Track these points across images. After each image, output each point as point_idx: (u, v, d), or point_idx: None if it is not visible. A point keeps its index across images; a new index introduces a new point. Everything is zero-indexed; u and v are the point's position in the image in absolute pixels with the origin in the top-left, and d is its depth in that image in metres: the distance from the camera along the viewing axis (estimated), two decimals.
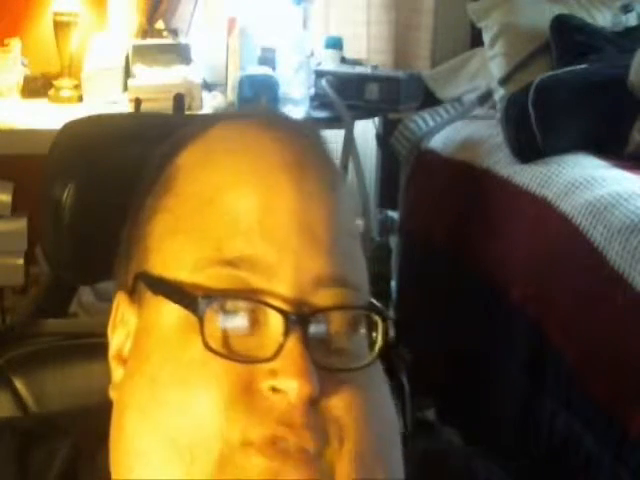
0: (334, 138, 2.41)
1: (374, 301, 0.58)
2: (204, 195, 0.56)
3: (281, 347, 0.51)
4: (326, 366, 0.52)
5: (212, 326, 0.52)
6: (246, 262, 0.53)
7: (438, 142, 2.59)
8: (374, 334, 0.55)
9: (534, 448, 2.00)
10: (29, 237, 2.47)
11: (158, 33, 2.62)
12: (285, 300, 0.52)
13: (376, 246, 2.65)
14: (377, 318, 0.55)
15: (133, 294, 0.58)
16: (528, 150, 2.22)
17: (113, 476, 0.56)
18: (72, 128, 1.11)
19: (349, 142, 2.49)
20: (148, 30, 2.62)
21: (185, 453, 0.51)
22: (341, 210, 0.57)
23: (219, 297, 0.52)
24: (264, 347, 0.52)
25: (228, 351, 0.52)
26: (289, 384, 0.50)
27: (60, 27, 2.54)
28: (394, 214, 2.80)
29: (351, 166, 2.51)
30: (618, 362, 1.74)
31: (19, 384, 0.83)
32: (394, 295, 2.68)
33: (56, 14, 2.55)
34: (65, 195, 1.00)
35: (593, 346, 1.82)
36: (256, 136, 0.58)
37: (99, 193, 1.02)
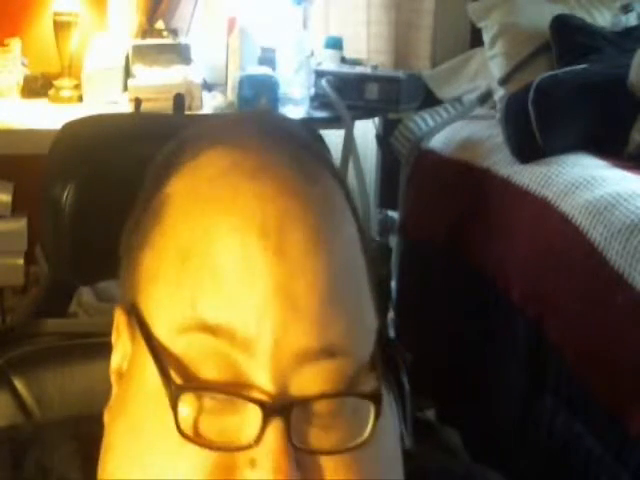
0: (334, 138, 2.41)
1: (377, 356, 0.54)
2: (187, 243, 0.53)
3: (262, 434, 0.49)
4: (311, 449, 0.51)
5: (188, 409, 0.51)
6: (226, 332, 0.51)
7: (438, 142, 2.59)
8: (367, 415, 0.52)
9: (534, 448, 2.00)
10: (29, 237, 2.47)
11: (158, 33, 2.62)
12: (264, 385, 0.50)
13: (376, 246, 2.65)
14: (368, 403, 0.52)
15: (129, 317, 0.57)
16: (528, 150, 2.22)
17: None
18: (72, 128, 1.11)
19: (349, 142, 2.49)
20: (148, 30, 2.62)
21: None
22: (335, 269, 0.53)
23: (196, 387, 0.51)
24: (243, 432, 0.50)
25: (205, 436, 0.50)
26: None
27: (60, 27, 2.55)
28: (394, 214, 2.80)
29: (351, 166, 2.51)
30: (618, 362, 1.74)
31: (19, 384, 0.83)
32: (394, 295, 2.68)
33: (56, 14, 2.55)
34: (65, 195, 1.00)
35: (593, 346, 1.82)
36: (243, 189, 0.54)
37: (99, 193, 1.02)
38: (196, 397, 0.51)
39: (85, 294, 2.22)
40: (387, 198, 2.86)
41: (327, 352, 0.51)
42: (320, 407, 0.52)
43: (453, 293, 2.41)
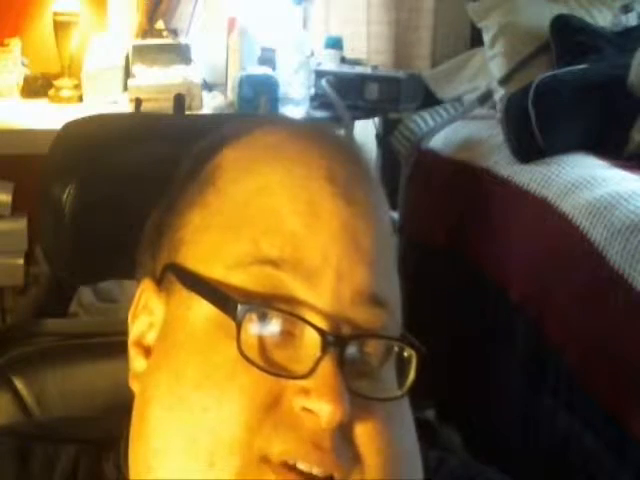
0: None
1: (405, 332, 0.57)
2: (248, 194, 0.55)
3: (316, 366, 0.50)
4: (358, 392, 0.51)
5: (247, 333, 0.51)
6: (288, 263, 0.52)
7: (438, 142, 2.59)
8: (407, 366, 0.54)
9: (534, 448, 2.00)
10: (29, 237, 2.46)
11: (158, 33, 2.62)
12: (324, 315, 0.51)
13: None
14: (412, 352, 0.55)
15: (161, 283, 0.57)
16: (528, 150, 2.22)
17: (131, 474, 0.55)
18: (72, 128, 1.11)
19: None
20: (148, 30, 2.62)
21: (205, 457, 0.50)
22: (383, 226, 0.57)
23: (259, 305, 0.51)
24: (298, 362, 0.51)
25: (262, 361, 0.51)
26: (322, 406, 0.49)
27: (60, 27, 2.54)
28: (394, 214, 2.80)
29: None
30: (618, 362, 1.74)
31: (19, 384, 0.83)
32: None
33: (56, 14, 2.54)
34: (65, 195, 1.00)
35: (593, 346, 1.82)
36: (304, 146, 0.57)
37: (99, 193, 1.02)
38: (256, 321, 0.51)
39: (85, 294, 2.23)
40: (387, 198, 2.86)
41: (380, 301, 0.54)
42: (369, 351, 0.53)
43: (453, 293, 2.41)
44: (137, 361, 0.58)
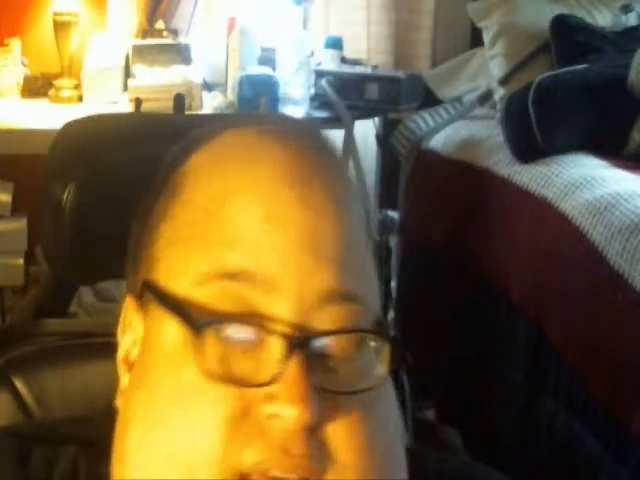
0: (334, 138, 2.41)
1: (382, 320, 0.57)
2: (208, 204, 0.55)
3: (281, 371, 0.50)
4: (327, 389, 0.51)
5: (210, 348, 0.51)
6: (247, 276, 0.52)
7: (438, 142, 2.59)
8: (380, 356, 0.54)
9: (534, 448, 2.00)
10: (29, 237, 2.47)
11: (158, 33, 2.62)
12: (286, 320, 0.51)
13: (376, 246, 2.65)
14: (384, 342, 0.54)
15: (141, 300, 0.57)
16: (528, 150, 2.22)
17: None
18: (72, 128, 1.11)
19: (349, 142, 2.48)
20: (148, 30, 2.62)
21: (183, 475, 0.50)
22: (350, 224, 0.56)
23: (218, 320, 0.51)
24: (264, 370, 0.51)
25: (226, 374, 0.51)
26: (288, 411, 0.49)
27: (60, 27, 2.54)
28: (394, 214, 2.80)
29: (351, 166, 2.51)
30: (618, 362, 1.74)
31: (19, 384, 0.83)
32: (394, 295, 2.68)
33: (56, 14, 2.55)
34: (65, 195, 1.00)
35: (593, 346, 1.82)
36: (265, 146, 0.56)
37: (99, 193, 1.02)
38: (218, 335, 0.51)
39: (85, 294, 2.22)
40: (387, 198, 2.86)
41: (347, 296, 0.53)
42: (337, 347, 0.52)
43: (453, 293, 2.40)
44: (124, 378, 0.59)
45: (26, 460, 0.62)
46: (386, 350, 0.54)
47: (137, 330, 0.58)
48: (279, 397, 0.50)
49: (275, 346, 0.51)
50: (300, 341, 0.50)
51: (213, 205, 0.54)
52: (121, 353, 0.59)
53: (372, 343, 0.54)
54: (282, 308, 0.51)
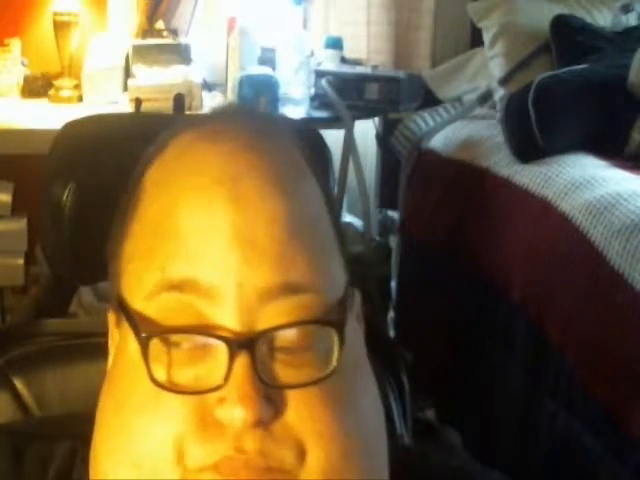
0: (334, 138, 2.41)
1: (346, 298, 0.56)
2: (159, 216, 0.56)
3: (229, 373, 0.51)
4: (279, 384, 0.52)
5: (160, 359, 0.53)
6: (191, 285, 0.53)
7: (438, 142, 2.59)
8: (333, 344, 0.54)
9: (534, 448, 2.00)
10: (29, 237, 2.46)
11: (158, 33, 2.62)
12: (229, 325, 0.52)
13: (376, 246, 2.65)
14: (331, 331, 0.54)
15: (116, 314, 0.59)
16: (528, 150, 2.22)
17: None
18: (72, 128, 1.11)
19: (349, 142, 2.48)
20: (148, 30, 2.62)
21: (147, 478, 0.52)
22: (293, 211, 0.55)
23: (163, 332, 0.53)
24: (214, 375, 0.52)
25: (174, 384, 0.52)
26: (236, 411, 0.50)
27: (60, 27, 2.54)
28: (394, 214, 2.80)
29: (351, 166, 2.51)
30: (618, 362, 1.74)
31: (19, 384, 0.83)
32: (394, 295, 2.68)
33: (56, 14, 2.55)
34: (65, 195, 1.00)
35: (593, 346, 1.82)
36: (203, 152, 0.57)
37: (99, 193, 1.02)
38: (165, 345, 0.53)
39: (85, 294, 2.23)
40: (387, 198, 2.86)
41: (289, 289, 0.53)
42: (286, 341, 0.53)
43: (453, 293, 2.41)
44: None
45: (21, 458, 0.63)
46: (333, 337, 0.53)
47: (115, 342, 0.60)
48: (227, 400, 0.51)
49: (221, 351, 0.52)
50: (242, 343, 0.51)
51: (159, 219, 0.56)
52: (109, 363, 0.61)
53: (331, 329, 0.54)
54: (225, 313, 0.52)
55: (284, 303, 0.53)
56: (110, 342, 0.61)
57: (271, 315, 0.53)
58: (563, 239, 1.97)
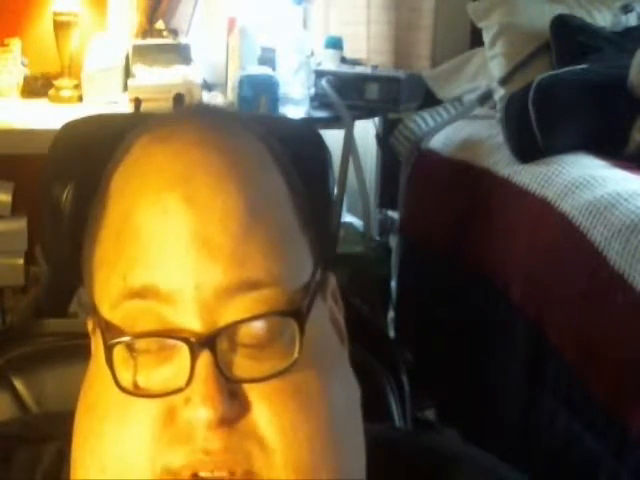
0: (334, 138, 2.41)
1: (310, 285, 0.56)
2: (118, 226, 0.56)
3: (191, 374, 0.51)
4: (242, 379, 0.52)
5: (127, 365, 0.54)
6: (150, 291, 0.53)
7: (438, 142, 2.59)
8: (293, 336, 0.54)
9: (534, 448, 2.00)
10: (29, 237, 2.46)
11: (158, 33, 2.62)
12: (191, 325, 0.52)
13: (376, 246, 2.65)
14: (291, 321, 0.54)
15: (92, 319, 0.59)
16: (528, 150, 2.22)
17: None
18: (72, 128, 1.11)
19: (349, 142, 2.49)
20: (148, 30, 2.62)
21: None
22: (247, 203, 0.55)
23: (126, 338, 0.53)
24: (179, 376, 0.52)
25: (145, 388, 0.53)
26: (200, 411, 0.51)
27: (60, 27, 2.55)
28: (394, 214, 2.80)
29: (351, 166, 2.52)
30: (618, 362, 1.74)
31: (19, 384, 0.83)
32: (394, 295, 2.68)
33: (56, 14, 2.55)
34: (65, 195, 1.00)
35: (593, 346, 1.82)
36: (155, 154, 0.57)
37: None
38: (131, 351, 0.53)
39: (85, 294, 2.22)
40: (387, 198, 2.86)
41: (247, 285, 0.53)
42: (250, 336, 0.53)
43: (453, 293, 2.40)
44: None
45: (9, 461, 0.63)
46: (293, 327, 0.53)
47: (93, 347, 0.60)
48: (192, 400, 0.51)
49: (184, 353, 0.52)
50: (202, 341, 0.51)
51: (120, 225, 0.56)
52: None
53: (291, 319, 0.54)
54: (187, 315, 0.52)
55: (243, 299, 0.53)
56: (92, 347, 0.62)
57: (231, 312, 0.53)
58: (563, 239, 1.97)
